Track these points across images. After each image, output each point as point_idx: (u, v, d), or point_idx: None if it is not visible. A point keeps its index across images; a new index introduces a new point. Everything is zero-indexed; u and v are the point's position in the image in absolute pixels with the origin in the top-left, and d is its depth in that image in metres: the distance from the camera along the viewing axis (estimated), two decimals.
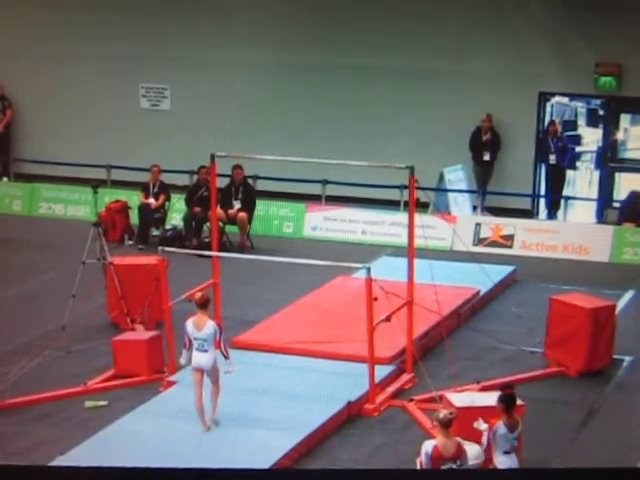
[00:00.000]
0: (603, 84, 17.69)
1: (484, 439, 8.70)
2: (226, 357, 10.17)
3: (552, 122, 18.36)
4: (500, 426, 8.68)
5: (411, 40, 18.27)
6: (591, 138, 19.41)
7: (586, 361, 11.64)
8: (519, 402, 9.12)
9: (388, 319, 10.89)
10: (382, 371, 11.17)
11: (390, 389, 11.16)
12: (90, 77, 19.68)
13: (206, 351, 10.10)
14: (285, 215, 17.51)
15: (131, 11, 19.41)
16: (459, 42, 18.07)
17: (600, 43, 17.42)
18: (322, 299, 13.40)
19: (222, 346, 10.16)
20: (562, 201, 18.37)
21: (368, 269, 10.61)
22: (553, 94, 18.64)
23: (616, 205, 17.66)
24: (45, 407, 10.72)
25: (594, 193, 18.66)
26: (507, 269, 14.97)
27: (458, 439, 8.39)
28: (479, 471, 8.39)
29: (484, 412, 9.35)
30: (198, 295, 10.42)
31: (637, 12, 17.27)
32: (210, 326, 10.12)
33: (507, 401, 8.78)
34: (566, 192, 18.62)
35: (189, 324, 10.18)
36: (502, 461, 8.66)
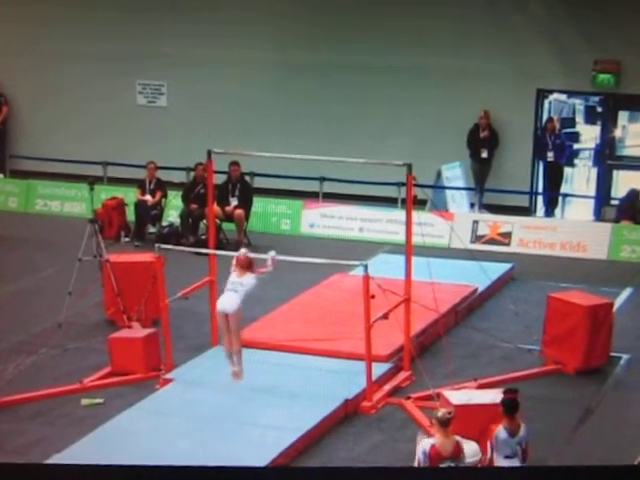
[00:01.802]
0: (601, 81, 17.67)
1: (488, 447, 8.60)
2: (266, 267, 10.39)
3: (550, 119, 18.34)
4: (501, 431, 8.62)
5: (409, 38, 18.25)
6: (589, 135, 19.39)
7: (584, 359, 11.62)
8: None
9: (385, 317, 10.86)
10: (379, 369, 11.15)
11: (387, 387, 11.13)
12: (87, 74, 19.65)
13: (236, 291, 10.28)
14: (282, 212, 17.49)
15: (128, 8, 19.38)
16: (457, 39, 18.05)
17: (598, 40, 17.41)
18: (319, 297, 13.39)
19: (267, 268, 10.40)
20: (560, 198, 18.35)
21: (365, 266, 10.58)
22: (551, 91, 18.62)
23: (614, 203, 17.65)
24: (41, 405, 10.69)
25: (592, 190, 18.65)
26: (505, 267, 14.95)
27: (457, 438, 8.37)
28: (476, 469, 8.37)
29: (481, 410, 9.35)
30: (244, 257, 10.48)
31: (635, 10, 17.27)
32: (252, 277, 10.36)
33: (507, 405, 8.73)
34: (564, 189, 18.60)
35: (232, 275, 10.39)
36: (503, 465, 8.60)
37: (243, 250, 10.81)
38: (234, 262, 10.57)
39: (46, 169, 19.40)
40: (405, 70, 18.33)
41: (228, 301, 10.35)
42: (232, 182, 16.58)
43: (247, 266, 10.45)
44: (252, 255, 10.81)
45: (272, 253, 10.66)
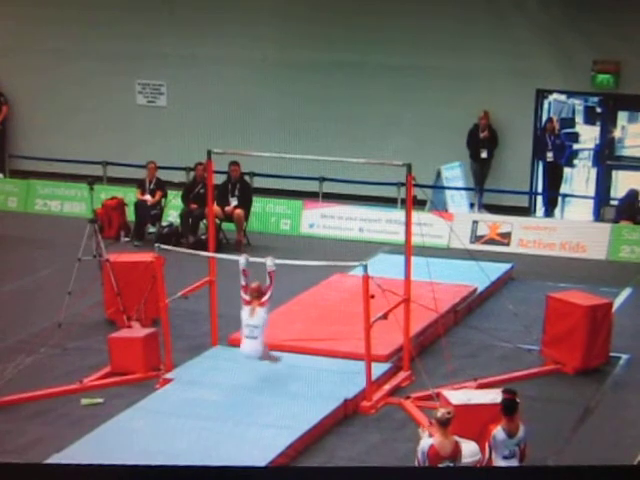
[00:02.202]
0: (600, 82, 17.68)
1: (486, 448, 8.61)
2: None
3: (549, 119, 18.35)
4: (499, 431, 8.62)
5: (409, 38, 18.26)
6: (588, 136, 19.41)
7: (583, 359, 11.63)
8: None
9: (385, 317, 10.87)
10: (379, 369, 11.15)
11: (387, 387, 11.13)
12: (86, 74, 19.66)
13: (255, 338, 10.50)
14: (282, 212, 17.49)
15: (128, 8, 19.38)
16: (457, 39, 18.06)
17: (598, 41, 17.42)
18: (319, 297, 13.39)
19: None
20: (559, 199, 18.37)
21: (365, 267, 10.59)
22: (551, 91, 18.63)
23: (613, 203, 17.65)
24: (41, 404, 10.69)
25: (591, 191, 18.66)
26: (504, 267, 14.96)
27: (456, 438, 8.36)
28: (475, 469, 8.36)
29: (481, 410, 9.36)
30: (253, 285, 10.64)
31: (635, 10, 17.26)
32: (263, 312, 10.53)
33: (506, 406, 8.72)
34: (563, 190, 18.62)
35: (244, 311, 10.55)
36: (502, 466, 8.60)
37: (243, 258, 10.73)
38: (243, 285, 10.66)
39: (46, 169, 19.41)
40: (405, 70, 18.33)
41: (252, 349, 10.63)
42: (232, 182, 16.58)
43: (258, 295, 10.60)
44: (252, 260, 10.85)
45: (269, 261, 10.62)
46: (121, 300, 12.57)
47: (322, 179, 17.91)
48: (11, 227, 17.15)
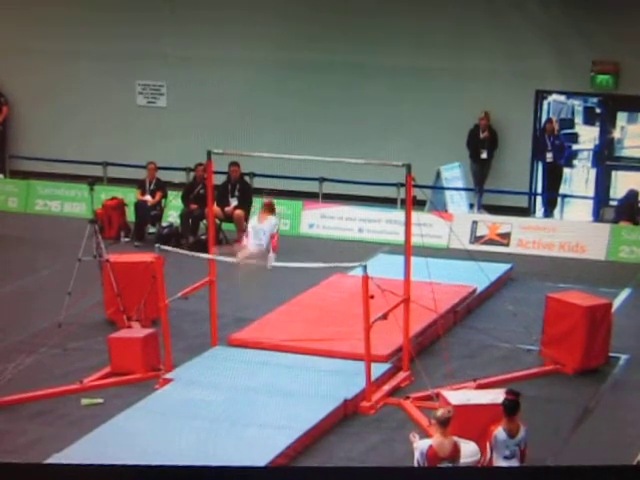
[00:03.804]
0: (600, 82, 17.69)
1: (487, 448, 8.62)
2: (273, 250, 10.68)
3: (549, 120, 18.36)
4: (500, 431, 8.63)
5: (409, 38, 18.27)
6: (588, 136, 19.42)
7: (582, 359, 11.65)
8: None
9: (385, 317, 10.89)
10: (378, 369, 11.17)
11: (386, 387, 11.15)
12: (87, 74, 19.68)
13: (261, 245, 10.80)
14: (282, 213, 17.48)
15: (128, 8, 19.40)
16: (457, 40, 18.07)
17: (597, 41, 17.44)
18: (318, 297, 13.40)
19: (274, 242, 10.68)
20: (559, 199, 18.38)
21: (365, 267, 10.61)
22: (550, 92, 18.65)
23: (613, 203, 17.67)
24: (41, 405, 10.71)
25: (591, 191, 18.68)
26: (504, 267, 14.97)
27: (455, 438, 8.37)
28: (474, 469, 8.37)
29: (481, 410, 9.38)
30: (266, 200, 10.90)
31: (634, 10, 17.28)
32: (272, 220, 10.78)
33: (507, 407, 8.73)
34: (563, 190, 18.62)
35: (253, 219, 10.80)
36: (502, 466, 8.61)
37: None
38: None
39: (46, 169, 19.42)
40: (405, 71, 18.35)
41: (255, 250, 10.73)
42: (232, 182, 16.60)
43: (270, 209, 10.71)
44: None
45: (271, 256, 10.72)
46: (121, 300, 12.59)
47: (322, 179, 17.93)
48: (11, 227, 17.16)
